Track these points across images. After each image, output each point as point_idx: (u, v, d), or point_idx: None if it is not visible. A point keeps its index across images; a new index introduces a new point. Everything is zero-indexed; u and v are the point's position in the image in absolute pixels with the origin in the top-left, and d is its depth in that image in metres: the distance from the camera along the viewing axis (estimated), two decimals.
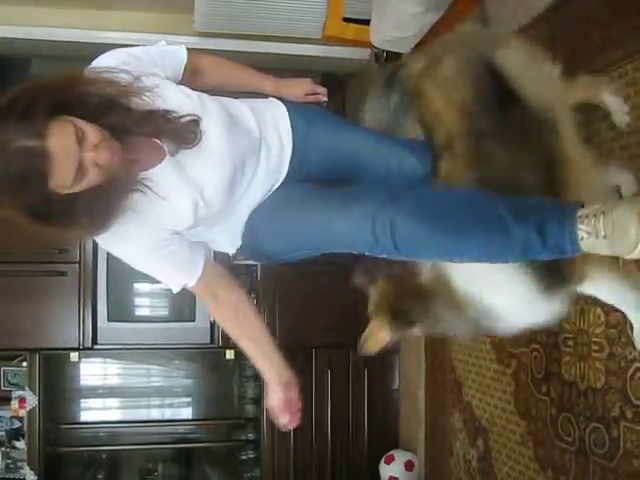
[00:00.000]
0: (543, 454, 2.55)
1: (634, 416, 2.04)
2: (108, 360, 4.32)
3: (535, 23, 2.64)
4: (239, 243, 1.87)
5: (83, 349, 3.83)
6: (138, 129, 1.62)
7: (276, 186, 1.84)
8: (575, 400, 2.33)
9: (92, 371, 4.34)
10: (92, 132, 1.51)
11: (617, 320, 2.10)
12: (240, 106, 1.85)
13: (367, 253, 1.73)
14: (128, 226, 1.64)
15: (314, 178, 1.87)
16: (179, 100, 1.69)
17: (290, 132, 1.87)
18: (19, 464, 3.86)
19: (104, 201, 1.56)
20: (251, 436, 4.14)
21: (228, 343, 3.93)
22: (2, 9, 3.72)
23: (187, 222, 1.70)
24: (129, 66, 1.66)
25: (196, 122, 1.67)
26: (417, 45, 2.77)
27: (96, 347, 3.84)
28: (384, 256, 1.71)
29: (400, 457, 3.82)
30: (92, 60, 1.73)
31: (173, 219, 1.69)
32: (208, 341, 3.93)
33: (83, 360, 4.09)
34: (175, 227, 1.72)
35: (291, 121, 1.89)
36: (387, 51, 2.99)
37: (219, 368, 4.32)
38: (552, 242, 1.58)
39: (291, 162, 1.86)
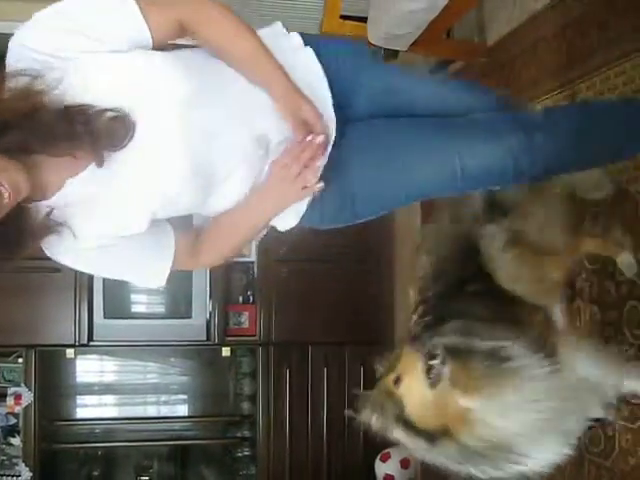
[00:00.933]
0: None
1: (630, 414, 2.05)
2: (104, 357, 4.31)
3: (532, 21, 2.64)
4: (302, 212, 1.53)
5: (79, 346, 3.83)
6: (45, 149, 1.28)
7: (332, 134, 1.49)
8: None
9: (88, 368, 4.33)
10: None
11: (614, 317, 2.10)
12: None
13: (497, 187, 1.64)
14: (57, 243, 1.36)
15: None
16: (112, 84, 1.30)
17: (321, 69, 1.52)
18: (14, 461, 3.85)
19: (5, 241, 1.29)
20: (247, 433, 4.14)
21: (224, 340, 3.94)
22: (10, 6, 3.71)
23: (140, 227, 1.37)
24: (55, 45, 1.28)
25: (121, 119, 1.28)
26: (413, 44, 2.77)
27: (92, 344, 3.84)
28: (517, 181, 1.58)
29: (396, 455, 3.81)
30: None
31: (115, 227, 1.37)
32: (204, 338, 3.93)
33: (79, 357, 4.08)
34: (123, 233, 1.38)
35: (319, 56, 1.53)
36: (385, 48, 2.98)
37: (215, 365, 4.31)
38: None
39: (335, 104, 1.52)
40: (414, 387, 1.54)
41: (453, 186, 1.55)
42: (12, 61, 1.28)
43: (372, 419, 1.63)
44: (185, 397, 4.47)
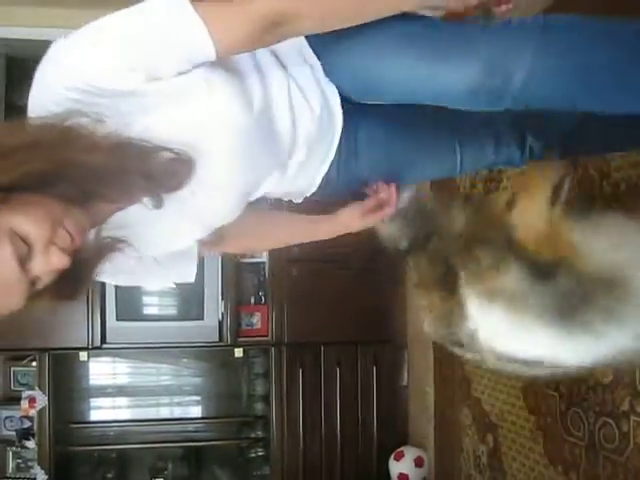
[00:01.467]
0: (553, 449, 2.55)
1: None
2: (117, 359, 4.33)
3: None
4: (316, 185, 1.53)
5: (92, 348, 3.84)
6: (100, 198, 1.18)
7: (339, 126, 1.43)
8: (584, 395, 2.32)
9: (101, 370, 4.35)
10: (38, 230, 1.07)
11: None
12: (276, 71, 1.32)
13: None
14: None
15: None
16: (170, 113, 1.14)
17: (320, 66, 1.38)
18: (30, 464, 3.88)
19: (67, 282, 1.23)
20: (260, 434, 4.14)
21: (237, 341, 3.95)
22: (13, 10, 3.72)
23: (183, 247, 1.38)
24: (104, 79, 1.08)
25: (182, 160, 1.15)
26: None
27: (105, 346, 3.85)
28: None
29: (410, 453, 3.82)
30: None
31: (159, 251, 1.36)
32: (217, 339, 3.93)
33: (92, 359, 4.10)
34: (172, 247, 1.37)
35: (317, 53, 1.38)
36: None
37: (228, 366, 4.32)
38: None
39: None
40: (532, 209, 1.32)
41: (450, 175, 1.74)
42: (54, 86, 1.09)
43: (476, 251, 1.36)
44: (198, 398, 4.48)
